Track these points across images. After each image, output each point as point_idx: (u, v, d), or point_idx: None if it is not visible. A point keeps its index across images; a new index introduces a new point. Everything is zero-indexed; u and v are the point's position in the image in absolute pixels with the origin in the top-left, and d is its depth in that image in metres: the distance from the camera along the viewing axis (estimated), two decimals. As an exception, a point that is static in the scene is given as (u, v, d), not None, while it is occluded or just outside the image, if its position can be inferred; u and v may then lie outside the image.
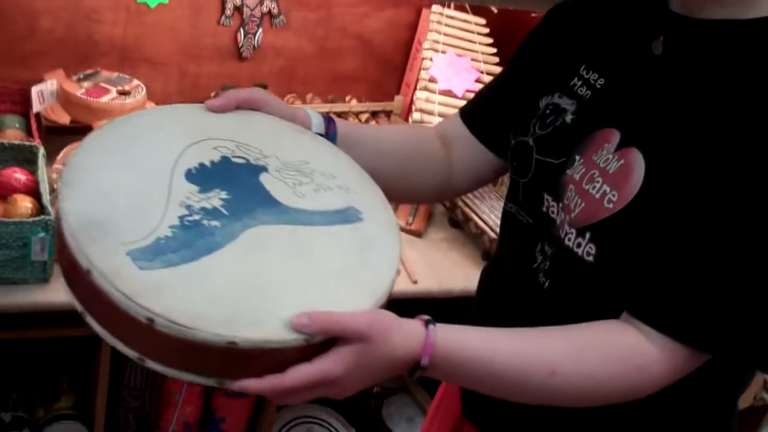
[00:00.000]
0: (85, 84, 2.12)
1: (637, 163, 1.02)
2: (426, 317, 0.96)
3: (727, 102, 0.98)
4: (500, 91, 1.34)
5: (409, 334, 0.93)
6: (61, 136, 2.08)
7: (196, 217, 0.91)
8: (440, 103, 2.35)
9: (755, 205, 0.93)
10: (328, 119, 1.22)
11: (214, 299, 0.84)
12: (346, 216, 1.01)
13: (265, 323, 0.83)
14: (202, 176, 0.97)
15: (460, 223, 2.29)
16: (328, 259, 0.94)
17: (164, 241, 0.87)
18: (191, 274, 0.85)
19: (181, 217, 0.90)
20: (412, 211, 2.28)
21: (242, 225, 0.93)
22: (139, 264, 0.83)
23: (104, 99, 2.08)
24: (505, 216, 1.26)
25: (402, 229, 2.24)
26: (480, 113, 1.35)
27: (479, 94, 1.40)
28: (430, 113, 2.33)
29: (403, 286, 2.06)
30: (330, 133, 1.20)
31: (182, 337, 0.80)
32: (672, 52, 1.07)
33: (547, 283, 1.13)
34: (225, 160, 1.01)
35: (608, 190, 1.04)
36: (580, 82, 1.16)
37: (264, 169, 1.03)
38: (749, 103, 0.96)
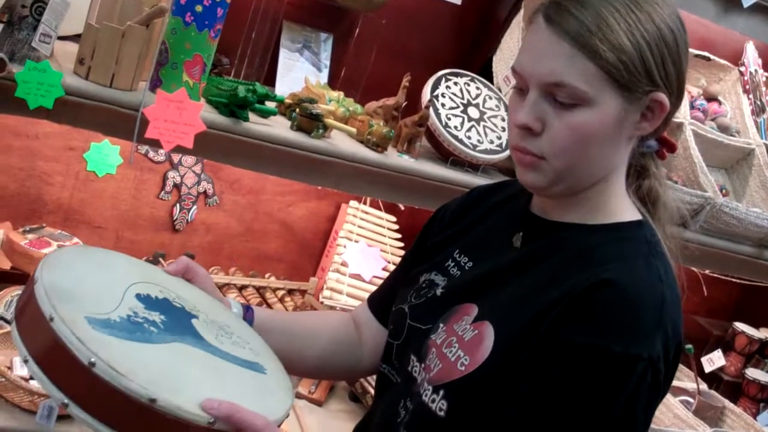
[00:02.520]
0: (30, 236, 2.32)
1: (488, 334, 1.19)
2: None
3: (560, 291, 1.15)
4: (396, 278, 1.54)
5: None
6: (1, 281, 2.27)
7: (140, 320, 1.11)
8: (349, 285, 2.61)
9: (561, 395, 1.10)
10: (246, 308, 1.39)
11: (147, 366, 1.02)
12: (254, 366, 1.19)
13: (183, 394, 1.01)
14: (148, 301, 1.18)
15: (359, 397, 2.48)
16: (235, 385, 1.12)
17: (113, 322, 1.06)
18: (130, 347, 1.04)
19: (128, 315, 1.10)
20: (315, 381, 2.47)
21: (173, 339, 1.12)
22: (92, 326, 1.02)
23: (45, 250, 2.27)
24: (379, 376, 1.42)
25: (304, 397, 2.43)
26: (380, 298, 1.55)
27: (381, 284, 1.60)
28: (339, 292, 2.58)
29: (299, 445, 2.23)
30: (247, 320, 1.37)
31: (114, 384, 0.96)
32: (527, 244, 1.28)
33: None
34: (166, 300, 1.21)
35: (462, 354, 1.20)
36: (452, 263, 1.36)
37: (195, 316, 1.23)
38: (581, 299, 1.12)
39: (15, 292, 2.23)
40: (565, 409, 1.10)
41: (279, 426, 1.12)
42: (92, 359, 0.97)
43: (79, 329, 1.00)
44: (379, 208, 2.81)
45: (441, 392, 1.21)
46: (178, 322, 1.17)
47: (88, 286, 1.12)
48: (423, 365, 1.27)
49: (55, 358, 0.99)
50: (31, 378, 1.90)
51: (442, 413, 1.20)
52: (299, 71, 2.41)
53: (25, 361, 1.02)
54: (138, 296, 1.17)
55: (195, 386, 1.04)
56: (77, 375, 0.98)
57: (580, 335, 1.11)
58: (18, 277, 2.28)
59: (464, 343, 1.21)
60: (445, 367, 1.22)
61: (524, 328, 1.16)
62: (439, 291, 1.34)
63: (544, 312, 1.15)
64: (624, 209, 1.25)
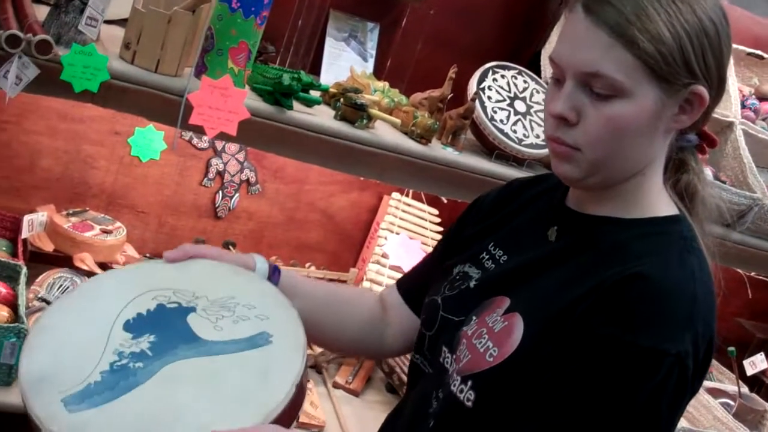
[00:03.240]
0: (73, 219, 2.34)
1: (518, 326, 1.19)
2: None
3: (591, 285, 1.14)
4: (428, 265, 1.54)
5: None
6: (43, 263, 2.29)
7: (125, 361, 1.13)
8: (389, 277, 2.59)
9: (592, 390, 1.10)
10: (273, 268, 1.38)
11: (128, 428, 1.04)
12: (257, 340, 1.18)
13: None
14: (137, 325, 1.19)
15: (396, 388, 2.47)
16: (231, 385, 1.12)
17: (93, 385, 1.09)
18: (110, 412, 1.06)
19: (111, 363, 1.13)
20: (353, 372, 2.47)
21: (162, 362, 1.13)
22: (69, 408, 1.06)
23: (88, 234, 2.29)
24: (412, 366, 1.43)
25: (341, 387, 2.42)
26: (411, 283, 1.55)
27: (413, 269, 1.60)
28: (379, 284, 2.57)
29: (336, 437, 2.22)
30: (272, 282, 1.35)
31: None
32: (562, 238, 1.27)
33: (432, 423, 1.28)
34: (160, 307, 1.22)
35: (491, 345, 1.20)
36: (487, 256, 1.35)
37: (193, 309, 1.23)
38: (612, 292, 1.12)
39: (57, 274, 2.24)
40: (590, 400, 1.10)
41: (300, 390, 1.13)
42: None
43: (56, 422, 1.05)
44: (421, 201, 2.79)
45: (469, 383, 1.21)
46: (169, 334, 1.18)
47: (68, 352, 1.15)
48: (454, 356, 1.27)
49: None
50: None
51: (469, 403, 1.20)
52: (345, 61, 2.40)
53: None
54: (126, 324, 1.19)
55: (187, 421, 1.06)
56: None
57: (608, 328, 1.10)
58: (60, 259, 2.30)
59: (494, 334, 1.21)
60: (474, 358, 1.22)
61: (554, 320, 1.16)
62: (472, 283, 1.33)
63: (575, 305, 1.14)
64: (660, 204, 1.23)
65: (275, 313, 1.24)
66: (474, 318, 1.27)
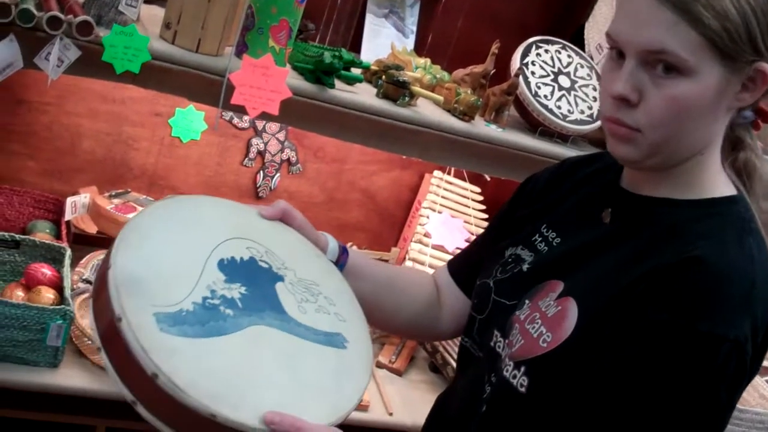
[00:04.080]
0: (115, 200, 2.34)
1: (571, 310, 1.17)
2: None
3: (647, 268, 1.11)
4: (479, 246, 1.52)
5: None
6: (87, 245, 2.30)
7: (216, 301, 1.08)
8: (431, 256, 2.57)
9: (653, 374, 1.07)
10: (342, 249, 1.38)
11: (211, 375, 1.00)
12: (334, 340, 1.17)
13: (243, 409, 0.99)
14: (231, 268, 1.15)
15: (439, 368, 2.45)
16: (309, 373, 1.10)
17: (185, 314, 1.04)
18: (199, 348, 1.02)
19: (204, 298, 1.08)
20: (396, 351, 2.45)
21: (250, 321, 1.09)
22: (160, 326, 1.00)
23: (131, 215, 2.29)
24: (461, 350, 1.41)
25: (384, 366, 2.41)
26: (461, 265, 1.53)
27: (464, 250, 1.59)
28: (422, 263, 2.54)
29: (379, 415, 2.21)
30: (340, 263, 1.36)
31: (175, 397, 0.96)
32: (617, 220, 1.24)
33: (484, 408, 1.26)
34: (252, 260, 1.18)
35: (544, 331, 1.18)
36: (540, 239, 1.33)
37: (281, 278, 1.20)
38: (668, 276, 1.09)
39: (100, 256, 2.25)
40: (647, 386, 1.07)
41: (359, 403, 1.12)
42: (155, 371, 0.97)
43: (145, 335, 0.99)
44: (463, 179, 2.76)
45: (522, 368, 1.19)
46: (259, 293, 1.14)
47: (165, 265, 1.09)
48: (506, 341, 1.25)
49: (122, 359, 0.99)
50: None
51: (523, 389, 1.19)
52: (385, 37, 2.37)
53: (98, 349, 1.03)
54: (221, 263, 1.14)
55: (260, 394, 1.03)
56: (142, 381, 0.98)
57: (665, 313, 1.07)
58: (104, 241, 2.31)
59: (547, 319, 1.19)
60: (527, 343, 1.20)
61: (608, 305, 1.13)
62: (525, 266, 1.31)
63: (630, 288, 1.12)
64: (718, 184, 1.20)
65: (351, 318, 1.23)
66: (527, 302, 1.25)
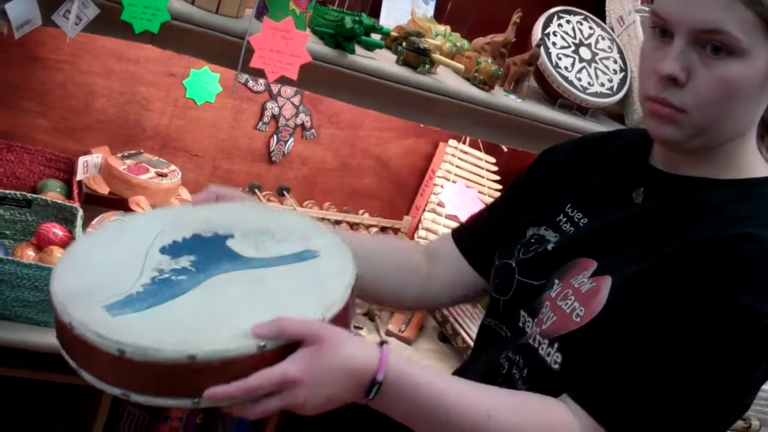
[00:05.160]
0: (128, 161, 2.32)
1: (605, 286, 1.16)
2: (379, 340, 1.08)
3: (686, 245, 1.12)
4: (490, 218, 1.49)
5: (363, 346, 1.03)
6: (98, 205, 2.27)
7: (166, 275, 1.07)
8: (445, 226, 2.55)
9: (688, 343, 1.07)
10: None
11: (174, 326, 0.98)
12: (303, 255, 1.14)
13: (218, 336, 0.97)
14: (174, 249, 1.14)
15: (449, 338, 2.44)
16: (283, 288, 1.07)
17: (135, 294, 1.03)
18: (155, 314, 1.00)
19: (153, 278, 1.07)
20: (405, 320, 2.44)
21: (207, 275, 1.08)
22: (112, 313, 0.99)
23: (143, 177, 2.27)
24: (483, 329, 1.39)
25: (393, 335, 2.40)
26: (470, 236, 1.50)
27: (471, 219, 1.55)
28: (435, 233, 2.53)
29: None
30: None
31: (149, 360, 0.94)
32: (650, 201, 1.22)
33: (507, 384, 1.24)
34: (195, 237, 1.17)
35: (577, 306, 1.18)
36: (565, 219, 1.31)
37: (231, 236, 1.18)
38: (718, 248, 1.08)
39: (113, 216, 2.23)
40: (683, 353, 1.07)
41: (352, 299, 1.09)
42: (119, 347, 0.95)
43: (97, 324, 0.98)
44: (478, 149, 2.73)
45: (555, 345, 1.19)
46: (210, 254, 1.12)
47: (103, 273, 1.08)
48: (535, 319, 1.24)
49: (91, 358, 0.98)
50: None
51: (556, 366, 1.19)
52: (404, 3, 2.33)
53: (77, 372, 1.01)
54: (162, 249, 1.14)
55: (233, 319, 1.00)
56: (116, 366, 0.96)
57: (708, 282, 1.07)
58: (116, 202, 2.28)
59: (580, 294, 1.18)
60: (560, 319, 1.19)
61: (644, 280, 1.13)
62: (550, 246, 1.29)
63: (667, 261, 1.11)
64: (756, 164, 1.19)
65: (316, 233, 1.20)
66: (557, 281, 1.24)
